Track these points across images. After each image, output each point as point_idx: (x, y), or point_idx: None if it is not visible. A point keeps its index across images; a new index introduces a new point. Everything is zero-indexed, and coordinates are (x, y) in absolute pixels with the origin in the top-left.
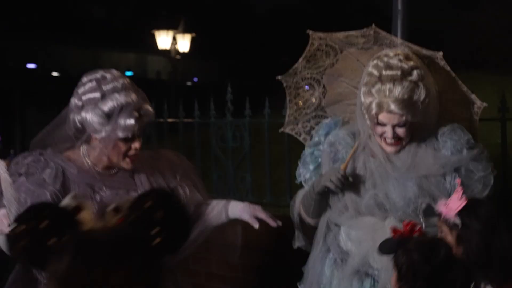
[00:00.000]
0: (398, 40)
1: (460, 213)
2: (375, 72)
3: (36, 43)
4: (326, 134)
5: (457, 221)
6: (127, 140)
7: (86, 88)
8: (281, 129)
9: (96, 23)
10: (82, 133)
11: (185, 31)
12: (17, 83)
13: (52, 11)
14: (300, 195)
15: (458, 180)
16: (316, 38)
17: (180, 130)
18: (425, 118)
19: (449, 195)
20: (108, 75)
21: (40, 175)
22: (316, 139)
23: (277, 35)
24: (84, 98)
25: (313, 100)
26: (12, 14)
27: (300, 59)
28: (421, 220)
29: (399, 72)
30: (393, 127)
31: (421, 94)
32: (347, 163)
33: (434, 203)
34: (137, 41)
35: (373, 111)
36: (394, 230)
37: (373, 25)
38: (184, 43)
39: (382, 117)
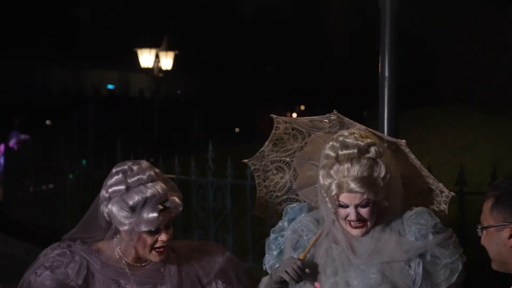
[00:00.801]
0: (362, 126)
1: None
2: (332, 153)
3: (19, 62)
4: (291, 220)
5: None
6: (152, 233)
7: (113, 180)
8: (253, 212)
9: (79, 41)
10: (110, 225)
11: (168, 49)
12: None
13: (35, 29)
14: (263, 282)
15: (317, 284)
16: (281, 122)
17: None
18: (389, 199)
19: (413, 282)
20: (135, 167)
21: (64, 270)
22: (280, 224)
23: (261, 46)
24: (110, 190)
25: (284, 183)
26: None
27: (267, 143)
28: None
29: (356, 150)
30: (356, 207)
31: (381, 170)
32: (307, 253)
33: None
34: (120, 59)
35: (333, 192)
36: None
37: (334, 110)
38: (167, 61)
39: (343, 198)
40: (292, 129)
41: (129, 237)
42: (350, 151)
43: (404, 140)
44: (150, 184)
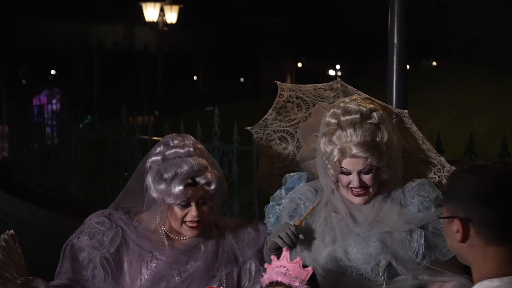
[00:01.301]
0: (366, 95)
1: None
2: (333, 120)
3: (24, 15)
4: (289, 189)
5: None
6: (182, 206)
7: (156, 151)
8: (255, 182)
9: None
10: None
11: (172, 2)
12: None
13: None
14: None
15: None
16: (285, 89)
17: None
18: (390, 167)
19: (415, 254)
20: (176, 141)
21: (101, 237)
22: (278, 193)
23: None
24: (150, 160)
25: (287, 154)
26: None
27: (270, 110)
28: (382, 277)
29: (358, 116)
30: (359, 174)
31: (383, 135)
32: (303, 220)
33: (396, 261)
34: (125, 13)
35: (336, 158)
36: None
37: (338, 78)
38: (171, 15)
39: (346, 164)
40: (296, 98)
41: (162, 207)
42: (353, 116)
43: (406, 111)
44: (186, 158)
